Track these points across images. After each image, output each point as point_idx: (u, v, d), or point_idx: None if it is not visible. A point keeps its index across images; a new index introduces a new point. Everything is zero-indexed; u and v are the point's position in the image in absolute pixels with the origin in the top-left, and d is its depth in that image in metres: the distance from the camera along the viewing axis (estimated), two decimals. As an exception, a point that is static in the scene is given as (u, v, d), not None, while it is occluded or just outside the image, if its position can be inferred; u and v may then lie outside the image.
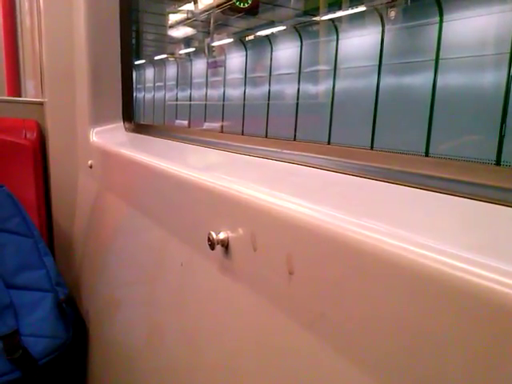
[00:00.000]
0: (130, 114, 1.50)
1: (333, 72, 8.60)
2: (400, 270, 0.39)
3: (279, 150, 0.83)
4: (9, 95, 2.23)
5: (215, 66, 12.76)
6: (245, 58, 11.48)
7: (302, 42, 9.63)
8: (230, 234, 0.65)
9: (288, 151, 0.81)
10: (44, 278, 1.30)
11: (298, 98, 9.67)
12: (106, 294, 1.31)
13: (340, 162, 0.69)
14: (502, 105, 5.98)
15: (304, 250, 0.51)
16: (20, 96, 2.20)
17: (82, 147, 1.51)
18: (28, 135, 1.53)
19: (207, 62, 13.17)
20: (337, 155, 0.71)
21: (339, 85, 8.62)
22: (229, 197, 0.66)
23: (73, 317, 1.38)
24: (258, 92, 11.37)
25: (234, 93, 12.37)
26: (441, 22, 6.63)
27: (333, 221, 0.48)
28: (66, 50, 1.49)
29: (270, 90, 10.84)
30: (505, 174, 0.49)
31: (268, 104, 10.43)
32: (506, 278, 0.32)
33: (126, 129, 1.48)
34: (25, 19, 2.05)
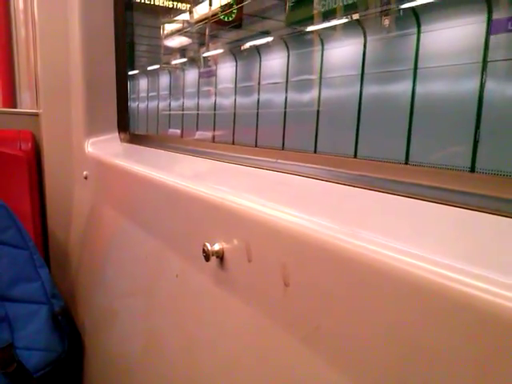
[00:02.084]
0: (125, 124, 1.50)
1: (318, 81, 9.09)
2: (395, 281, 0.39)
3: (274, 160, 0.83)
4: (4, 106, 2.23)
5: (207, 75, 13.26)
6: (235, 68, 11.99)
7: (289, 52, 10.12)
8: (225, 245, 0.65)
9: (283, 161, 0.81)
10: (39, 290, 1.29)
11: (285, 107, 10.14)
12: (102, 306, 1.30)
13: (334, 172, 0.69)
14: (476, 111, 6.26)
15: (299, 261, 0.51)
16: (15, 107, 2.20)
17: (77, 158, 1.51)
18: (23, 146, 1.53)
19: (199, 72, 13.72)
20: (331, 165, 0.71)
21: (324, 93, 9.11)
22: (223, 207, 0.66)
23: (68, 329, 1.36)
24: (247, 101, 11.79)
25: (226, 102, 12.77)
26: (418, 32, 7.16)
27: (328, 232, 0.47)
28: (60, 61, 1.50)
29: (259, 99, 11.24)
30: (496, 183, 0.49)
31: (257, 113, 10.90)
32: (498, 288, 0.32)
33: (121, 139, 1.48)
34: (20, 30, 2.06)
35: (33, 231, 1.48)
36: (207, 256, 0.66)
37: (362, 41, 7.92)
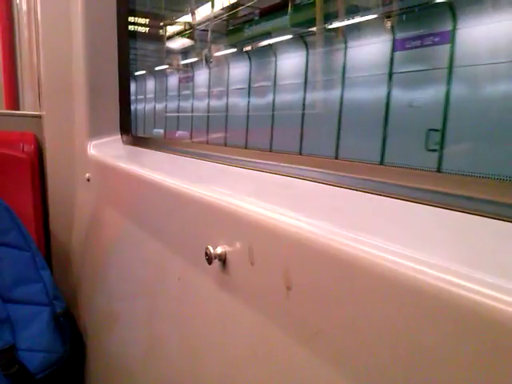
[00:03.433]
0: (127, 126, 1.50)
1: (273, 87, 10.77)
2: (398, 286, 0.39)
3: (276, 163, 0.83)
4: (7, 108, 2.24)
5: (186, 80, 15.53)
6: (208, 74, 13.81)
7: (251, 61, 11.65)
8: (228, 249, 0.65)
9: (286, 164, 0.81)
10: (41, 292, 1.29)
11: (248, 110, 11.68)
12: (104, 308, 1.30)
13: (337, 176, 0.70)
14: (384, 111, 7.63)
15: (302, 265, 0.51)
16: (18, 109, 2.20)
17: (80, 160, 1.52)
18: (26, 148, 1.53)
19: (179, 78, 15.92)
20: (334, 169, 0.71)
21: (277, 99, 10.83)
22: (226, 210, 0.66)
23: (70, 331, 1.37)
24: (220, 104, 13.34)
25: (202, 104, 14.43)
26: (345, 48, 8.71)
27: (330, 235, 0.48)
28: (63, 63, 1.50)
29: (227, 103, 12.82)
30: (496, 187, 0.50)
31: (226, 116, 12.54)
32: (498, 292, 0.32)
33: (123, 142, 1.48)
34: (23, 32, 2.07)
35: (35, 233, 1.48)
36: (209, 259, 0.66)
37: (305, 53, 9.54)
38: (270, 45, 10.84)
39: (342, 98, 8.69)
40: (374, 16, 7.82)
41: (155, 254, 0.95)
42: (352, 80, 8.50)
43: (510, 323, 0.31)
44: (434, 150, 6.30)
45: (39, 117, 1.58)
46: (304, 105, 9.63)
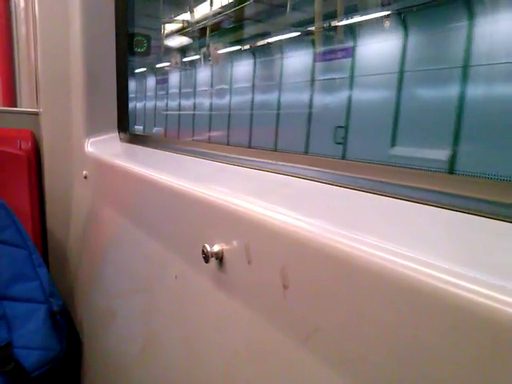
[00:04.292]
0: (125, 124, 1.50)
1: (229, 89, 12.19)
2: (394, 283, 0.39)
3: (273, 162, 0.83)
4: (4, 105, 2.23)
5: (162, 82, 16.91)
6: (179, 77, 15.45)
7: (213, 68, 13.08)
8: (225, 247, 0.65)
9: (282, 163, 0.81)
10: (37, 290, 1.29)
11: (211, 110, 13.19)
12: (101, 306, 1.30)
13: (334, 175, 0.70)
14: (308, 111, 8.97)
15: (298, 264, 0.51)
16: (15, 106, 2.19)
17: (77, 157, 1.51)
18: (23, 145, 1.53)
19: (156, 79, 17.18)
20: (331, 167, 0.71)
21: (235, 100, 12.32)
22: (223, 209, 0.66)
23: (66, 328, 1.37)
24: (188, 103, 14.87)
25: (173, 104, 16.03)
26: (281, 58, 10.33)
27: (327, 234, 0.48)
28: (61, 60, 1.50)
29: (194, 103, 14.44)
30: (494, 187, 0.50)
31: (193, 114, 14.30)
32: (494, 291, 0.33)
33: (121, 139, 1.48)
34: (20, 29, 2.06)
35: (32, 230, 1.48)
36: (207, 257, 0.66)
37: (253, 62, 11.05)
38: (228, 53, 12.51)
39: (279, 99, 10.52)
40: (298, 33, 9.65)
41: (152, 252, 0.95)
42: (286, 85, 10.35)
43: (508, 322, 0.31)
44: (340, 143, 7.96)
45: (36, 114, 1.58)
46: (252, 105, 11.39)
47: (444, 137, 6.00)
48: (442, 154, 5.88)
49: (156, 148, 1.30)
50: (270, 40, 10.68)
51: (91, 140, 1.44)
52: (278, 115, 10.30)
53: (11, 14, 2.18)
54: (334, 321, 0.46)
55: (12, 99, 2.23)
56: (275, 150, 0.96)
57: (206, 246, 0.66)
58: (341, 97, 8.29)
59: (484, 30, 5.77)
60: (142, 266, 1.01)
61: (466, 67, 5.95)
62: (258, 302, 0.59)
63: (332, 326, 0.46)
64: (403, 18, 7.01)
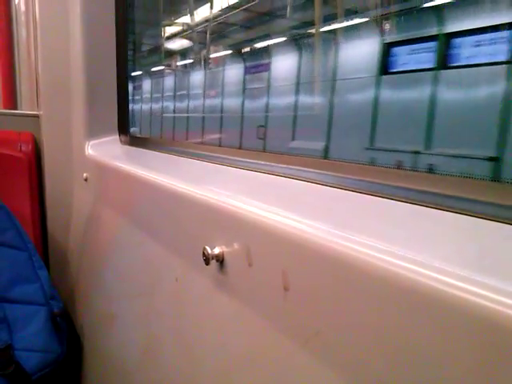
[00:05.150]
0: (125, 127, 1.50)
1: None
2: (395, 286, 0.39)
3: (274, 164, 0.83)
4: (4, 107, 2.23)
5: (139, 87, 17.89)
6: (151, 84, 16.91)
7: (175, 74, 14.98)
8: (225, 249, 0.65)
9: (282, 165, 0.81)
10: (38, 292, 1.29)
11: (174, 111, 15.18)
12: (101, 308, 1.30)
13: (334, 177, 0.70)
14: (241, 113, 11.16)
15: (299, 266, 0.51)
16: (15, 108, 2.20)
17: (78, 160, 1.51)
18: (23, 148, 1.53)
19: (133, 86, 18.53)
20: (331, 170, 0.71)
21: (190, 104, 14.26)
22: (223, 211, 0.66)
23: (67, 331, 1.36)
24: (157, 106, 16.69)
25: (146, 106, 17.33)
26: (224, 70, 12.12)
27: (328, 237, 0.48)
28: (61, 63, 1.50)
29: (162, 106, 16.22)
30: (495, 189, 0.50)
31: (162, 116, 15.88)
32: (493, 293, 0.33)
33: (121, 142, 1.48)
34: (21, 31, 2.06)
35: (32, 233, 1.48)
36: (207, 260, 0.66)
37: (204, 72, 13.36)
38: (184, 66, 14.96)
39: (222, 104, 12.55)
40: (231, 51, 11.98)
41: (153, 255, 0.95)
42: (227, 92, 12.32)
43: (508, 324, 0.31)
44: (262, 139, 9.81)
45: (37, 116, 1.58)
46: (204, 108, 13.37)
47: (321, 133, 8.12)
48: (319, 145, 7.96)
49: (157, 150, 1.30)
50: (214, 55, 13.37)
51: (92, 142, 1.44)
52: (221, 118, 12.51)
53: (12, 17, 2.18)
54: (335, 323, 0.46)
55: (13, 102, 2.23)
56: (276, 153, 0.95)
57: (207, 248, 0.66)
58: (262, 102, 10.68)
59: (344, 54, 8.16)
60: (143, 269, 1.01)
61: (334, 80, 8.12)
62: (258, 304, 0.59)
63: (332, 329, 0.46)
64: (298, 43, 9.45)
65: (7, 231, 1.28)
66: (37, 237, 1.52)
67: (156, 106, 16.11)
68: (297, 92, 9.45)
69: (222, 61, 12.54)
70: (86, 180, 1.40)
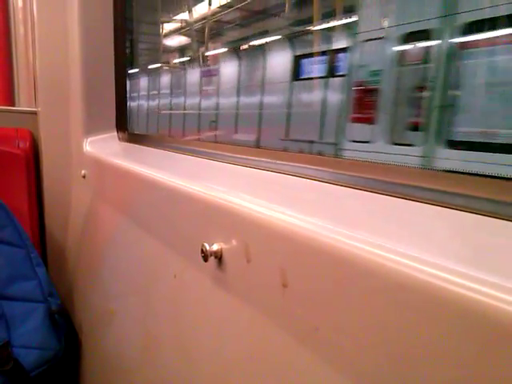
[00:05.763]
0: (123, 123, 1.50)
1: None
2: (393, 283, 0.39)
3: (273, 161, 0.83)
4: (2, 104, 2.22)
5: None
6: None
7: (149, 78, 16.44)
8: (224, 246, 0.65)
9: (281, 162, 0.81)
10: (36, 289, 1.29)
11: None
12: (100, 305, 1.30)
13: (333, 173, 0.70)
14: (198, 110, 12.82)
15: (298, 263, 0.51)
16: (13, 105, 2.19)
17: (76, 157, 1.51)
18: (21, 145, 1.53)
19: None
20: (329, 166, 0.71)
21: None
22: (222, 208, 0.66)
23: (65, 328, 1.36)
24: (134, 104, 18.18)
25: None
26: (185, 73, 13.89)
27: (326, 233, 0.48)
28: (59, 59, 1.49)
29: (138, 104, 17.39)
30: (495, 186, 0.50)
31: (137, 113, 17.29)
32: (492, 289, 0.33)
33: (119, 139, 1.48)
34: (18, 28, 2.05)
35: (30, 230, 1.48)
36: (205, 256, 0.66)
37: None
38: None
39: (184, 102, 14.06)
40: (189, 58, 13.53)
41: (151, 251, 0.95)
42: (188, 92, 13.90)
43: (508, 321, 0.31)
44: (214, 132, 11.29)
45: (35, 113, 1.57)
46: (171, 106, 14.94)
47: (254, 127, 9.86)
48: (253, 137, 9.50)
49: (155, 147, 1.30)
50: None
51: (90, 139, 1.44)
52: (184, 115, 14.03)
53: (9, 13, 2.17)
54: (333, 320, 0.46)
55: (10, 98, 2.22)
56: (274, 150, 0.95)
57: (205, 244, 0.66)
58: (214, 101, 12.21)
59: (268, 65, 10.06)
60: (141, 265, 1.01)
61: (262, 85, 10.03)
62: (257, 300, 0.59)
63: (331, 325, 0.46)
64: (238, 53, 11.26)
65: (5, 228, 1.28)
66: (35, 234, 1.51)
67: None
68: (238, 93, 11.31)
69: (183, 66, 14.26)
70: (84, 177, 1.40)
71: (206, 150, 1.06)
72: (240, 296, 0.63)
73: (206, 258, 0.66)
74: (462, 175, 0.54)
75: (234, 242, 0.63)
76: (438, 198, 0.52)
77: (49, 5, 1.46)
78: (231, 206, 0.64)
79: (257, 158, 0.87)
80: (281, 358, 0.54)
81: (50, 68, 1.50)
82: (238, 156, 0.93)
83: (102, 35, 1.44)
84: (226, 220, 0.66)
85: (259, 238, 0.58)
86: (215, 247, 0.65)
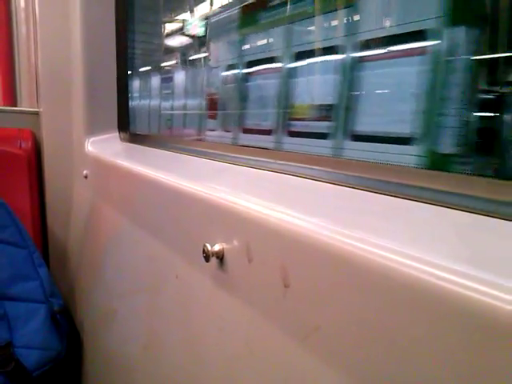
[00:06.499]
0: (125, 123, 1.50)
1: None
2: (395, 283, 0.39)
3: (274, 161, 0.83)
4: (4, 104, 2.23)
5: None
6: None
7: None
8: (225, 246, 0.65)
9: (283, 162, 0.81)
10: (38, 289, 1.29)
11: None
12: (101, 306, 1.30)
13: (334, 174, 0.69)
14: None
15: (299, 263, 0.51)
16: (15, 105, 2.19)
17: (77, 157, 1.51)
18: (23, 145, 1.53)
19: None
20: (331, 166, 0.71)
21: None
22: (223, 208, 0.66)
23: (67, 328, 1.37)
24: None
25: None
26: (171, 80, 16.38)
27: (327, 233, 0.47)
28: (61, 60, 1.50)
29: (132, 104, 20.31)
30: (494, 186, 0.49)
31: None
32: (491, 288, 0.32)
33: (121, 139, 1.48)
34: (21, 28, 2.06)
35: (32, 230, 1.48)
36: (207, 256, 0.66)
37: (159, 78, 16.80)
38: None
39: (149, 104, 15.63)
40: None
41: (153, 252, 0.95)
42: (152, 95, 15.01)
43: (508, 320, 0.31)
44: (169, 128, 12.69)
45: (37, 113, 1.58)
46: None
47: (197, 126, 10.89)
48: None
49: (156, 147, 1.30)
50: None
51: (92, 139, 1.44)
52: (149, 112, 15.37)
53: (11, 14, 2.18)
54: (335, 319, 0.46)
55: (12, 99, 2.23)
56: (275, 150, 0.96)
57: (207, 245, 0.66)
58: (170, 103, 12.99)
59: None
60: (143, 266, 1.01)
61: (202, 90, 11.64)
62: (258, 300, 0.59)
63: (332, 325, 0.46)
64: (186, 62, 12.13)
65: (7, 228, 1.28)
66: (37, 234, 1.52)
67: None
68: (186, 97, 12.75)
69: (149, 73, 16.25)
70: (85, 177, 1.40)
71: (208, 151, 1.06)
72: (242, 296, 0.62)
73: (207, 259, 0.66)
74: (461, 175, 0.54)
75: (235, 243, 0.63)
76: (438, 197, 0.52)
77: (51, 5, 1.47)
78: (233, 206, 0.64)
79: (258, 158, 0.87)
80: (282, 356, 0.54)
81: (52, 68, 1.50)
82: (240, 156, 0.93)
83: (104, 35, 1.44)
84: (227, 220, 0.65)
85: (261, 238, 0.58)
86: (217, 247, 0.65)
